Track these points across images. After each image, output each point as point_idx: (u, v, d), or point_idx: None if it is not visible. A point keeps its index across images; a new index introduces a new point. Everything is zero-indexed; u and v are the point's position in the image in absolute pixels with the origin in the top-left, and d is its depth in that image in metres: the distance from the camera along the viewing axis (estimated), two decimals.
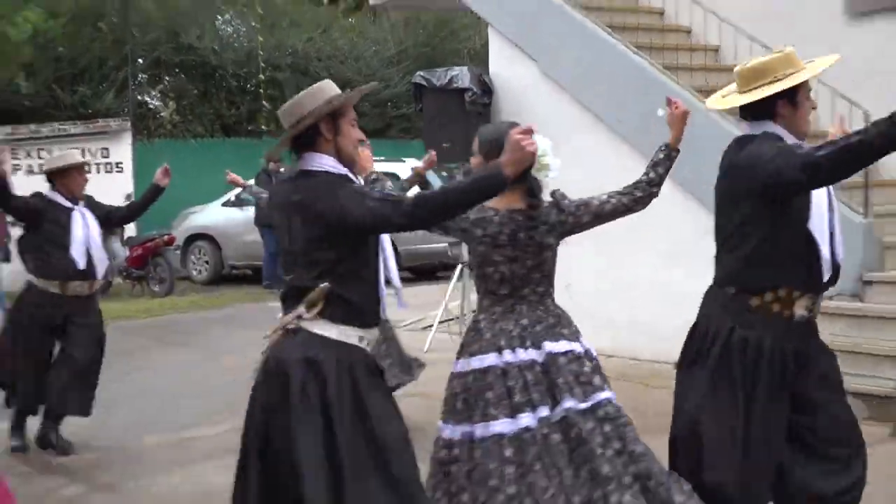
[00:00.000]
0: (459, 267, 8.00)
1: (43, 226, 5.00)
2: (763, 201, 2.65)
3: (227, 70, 16.20)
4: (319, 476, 2.24)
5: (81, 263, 4.94)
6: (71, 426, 5.64)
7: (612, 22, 7.40)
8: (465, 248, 8.04)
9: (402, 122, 17.11)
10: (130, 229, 12.08)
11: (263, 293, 10.89)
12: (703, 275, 5.83)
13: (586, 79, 7.42)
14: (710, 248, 5.67)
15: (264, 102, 15.68)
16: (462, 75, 7.75)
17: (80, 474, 5.10)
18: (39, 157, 12.06)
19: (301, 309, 2.36)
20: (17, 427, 5.24)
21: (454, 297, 8.05)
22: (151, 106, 16.89)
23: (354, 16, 18.54)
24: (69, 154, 5.81)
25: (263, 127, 15.88)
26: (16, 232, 8.60)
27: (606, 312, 7.39)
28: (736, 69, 2.91)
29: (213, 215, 12.22)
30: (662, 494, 2.57)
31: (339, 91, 2.62)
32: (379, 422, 2.33)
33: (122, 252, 11.77)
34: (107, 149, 12.80)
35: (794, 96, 2.72)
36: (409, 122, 16.34)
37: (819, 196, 2.74)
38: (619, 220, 7.06)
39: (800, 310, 2.72)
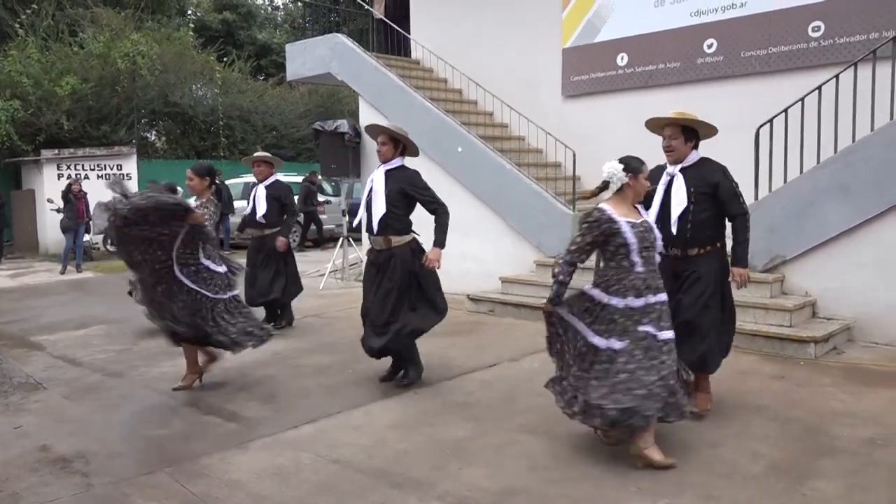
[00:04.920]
0: (341, 238, 10.23)
1: None
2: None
3: (198, 118, 20.41)
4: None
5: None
6: (94, 337, 6.98)
7: (430, 96, 9.77)
8: (345, 226, 10.12)
9: (307, 152, 22.06)
10: None
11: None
12: (479, 244, 8.64)
13: (414, 127, 8.14)
14: (486, 229, 8.57)
15: (222, 138, 20.15)
16: (343, 124, 10.15)
17: (95, 366, 5.89)
18: (76, 170, 15.92)
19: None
20: None
21: (338, 257, 10.19)
22: (149, 139, 20.70)
23: (279, 87, 23.44)
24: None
25: (221, 153, 20.09)
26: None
27: None
28: (680, 111, 4.20)
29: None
30: None
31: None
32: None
33: None
34: (121, 165, 16.48)
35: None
36: (311, 152, 21.10)
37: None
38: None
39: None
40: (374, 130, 5.13)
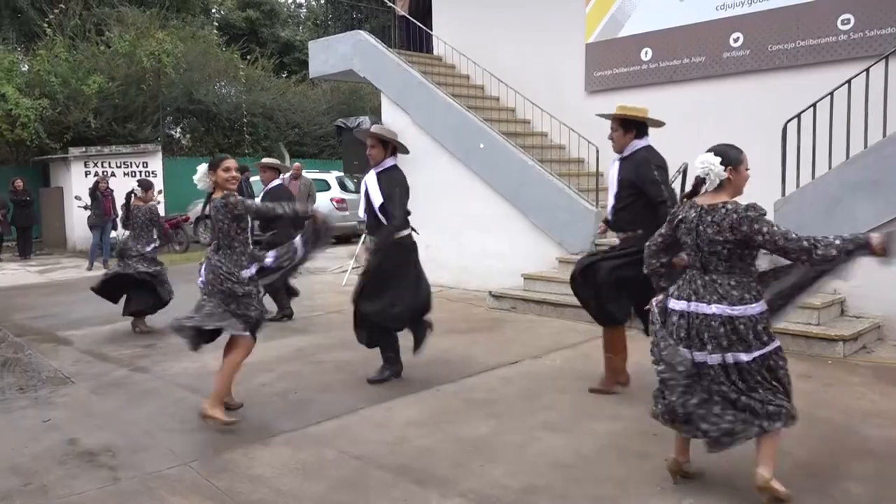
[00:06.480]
0: (363, 236, 9.31)
1: None
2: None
3: (222, 115, 20.61)
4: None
5: None
6: (120, 333, 7.10)
7: (453, 92, 9.76)
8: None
9: (329, 149, 22.21)
10: (162, 211, 15.74)
11: None
12: (501, 241, 8.57)
13: (436, 125, 9.47)
14: (508, 226, 8.41)
15: (246, 136, 20.36)
16: (365, 121, 10.18)
17: (122, 361, 5.99)
18: (103, 167, 16.17)
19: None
20: None
21: (360, 254, 8.94)
22: (174, 136, 20.89)
23: (301, 84, 23.62)
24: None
25: (246, 150, 20.16)
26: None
27: (449, 261, 9.21)
28: (622, 105, 4.43)
29: None
30: None
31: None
32: None
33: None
34: (146, 162, 16.65)
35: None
36: (333, 149, 21.29)
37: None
38: (459, 209, 8.91)
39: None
40: (363, 135, 5.18)
